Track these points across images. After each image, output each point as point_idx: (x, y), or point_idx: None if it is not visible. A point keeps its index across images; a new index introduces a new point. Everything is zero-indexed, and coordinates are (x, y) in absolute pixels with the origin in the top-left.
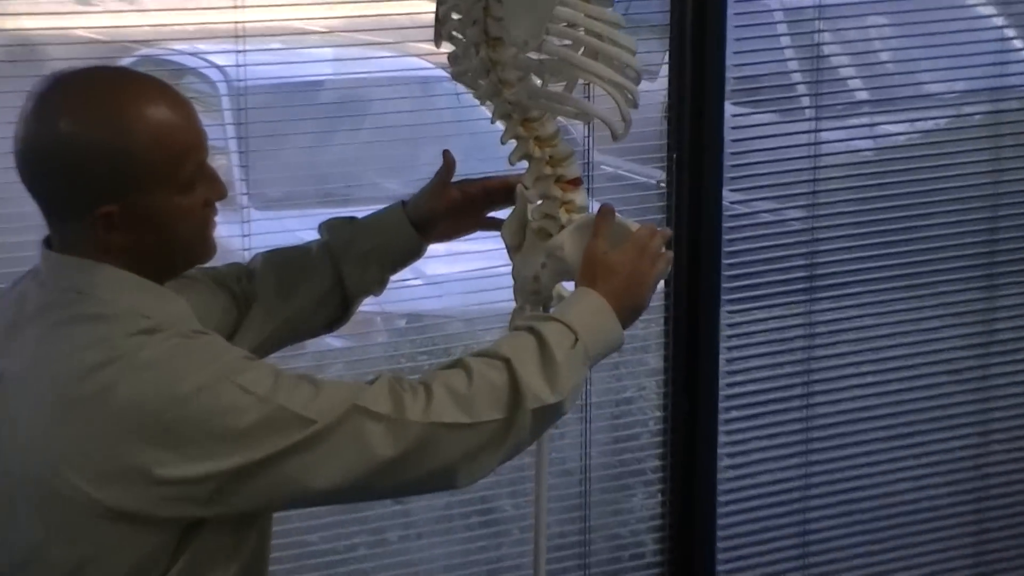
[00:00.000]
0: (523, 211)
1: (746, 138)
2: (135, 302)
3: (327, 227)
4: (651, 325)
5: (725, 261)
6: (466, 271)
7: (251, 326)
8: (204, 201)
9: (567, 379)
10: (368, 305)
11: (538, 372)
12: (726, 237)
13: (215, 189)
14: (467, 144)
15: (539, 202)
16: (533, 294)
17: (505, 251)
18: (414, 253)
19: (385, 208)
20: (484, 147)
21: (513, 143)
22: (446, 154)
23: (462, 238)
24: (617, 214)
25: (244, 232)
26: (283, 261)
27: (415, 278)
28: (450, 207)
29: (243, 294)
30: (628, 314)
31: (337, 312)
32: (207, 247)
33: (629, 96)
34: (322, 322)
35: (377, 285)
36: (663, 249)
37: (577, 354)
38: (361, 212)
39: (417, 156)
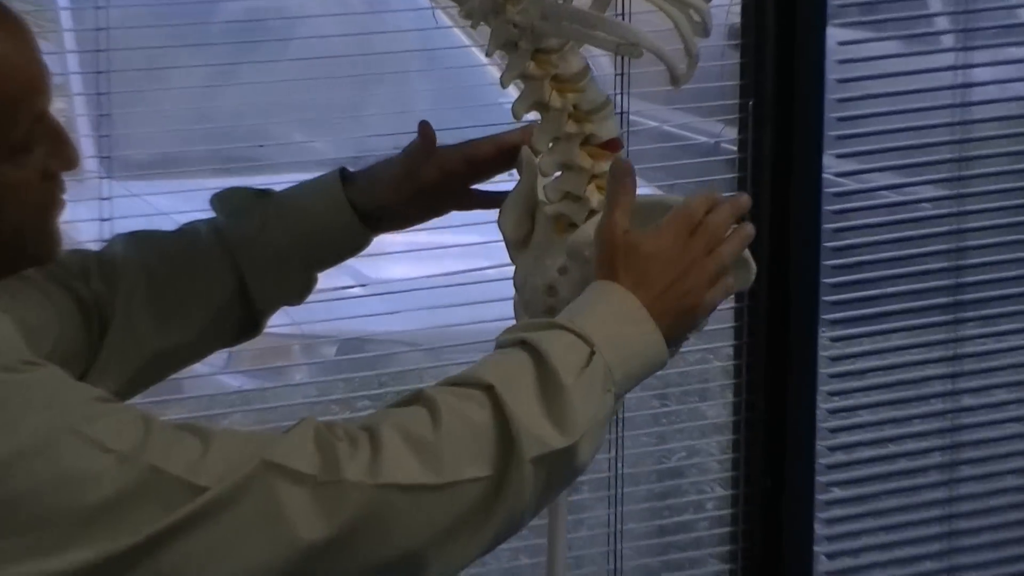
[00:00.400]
0: (532, 189)
1: (858, 78)
2: None
3: (224, 205)
4: (711, 358)
5: (826, 262)
6: (433, 275)
7: (113, 356)
8: (44, 172)
9: (581, 412)
10: (281, 325)
11: (536, 404)
12: (828, 226)
13: (61, 154)
14: (442, 87)
15: (557, 175)
16: (547, 312)
17: (502, 246)
18: (355, 249)
19: (315, 181)
20: (468, 92)
21: (518, 87)
22: (424, 129)
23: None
24: (644, 189)
25: (102, 214)
26: (159, 259)
27: (354, 284)
28: (419, 194)
29: (95, 300)
30: (673, 320)
31: (238, 330)
32: (48, 240)
33: (696, 17)
34: (217, 345)
35: (298, 294)
36: (733, 225)
37: (594, 375)
38: (277, 184)
39: (362, 102)
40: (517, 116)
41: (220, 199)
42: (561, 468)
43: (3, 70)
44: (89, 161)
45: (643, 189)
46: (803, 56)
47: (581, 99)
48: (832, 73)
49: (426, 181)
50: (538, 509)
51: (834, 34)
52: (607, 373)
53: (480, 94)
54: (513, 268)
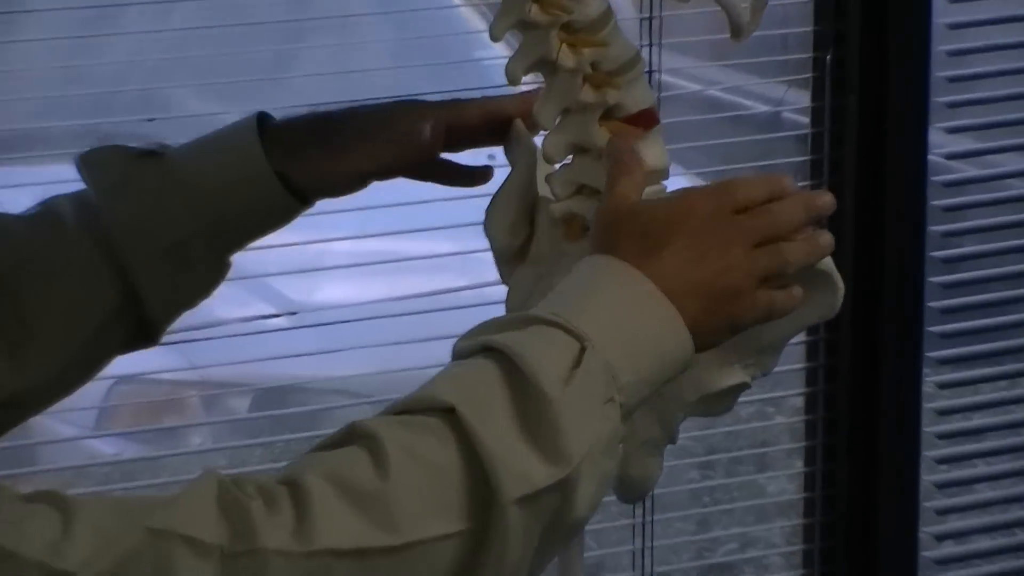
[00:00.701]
0: (531, 180)
1: (976, 22)
2: None
3: (96, 172)
4: (771, 412)
5: (933, 279)
6: (387, 299)
7: None
8: None
9: (575, 432)
10: (175, 370)
11: (514, 426)
12: (935, 228)
13: None
14: (399, 38)
15: (567, 161)
16: None
17: (487, 258)
18: (280, 223)
19: (224, 137)
20: (437, 47)
21: (514, 39)
22: (436, 130)
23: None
24: (680, 180)
25: None
26: (8, 258)
27: (277, 313)
28: (386, 172)
29: None
30: (700, 305)
31: (125, 346)
32: None
33: None
34: (98, 370)
35: (205, 288)
36: (801, 221)
37: (588, 379)
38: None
39: (290, 59)
40: (514, 79)
41: (89, 164)
42: (557, 510)
43: None
44: None
45: (679, 179)
46: None
47: (601, 56)
48: (940, 16)
49: (401, 159)
50: (534, 570)
51: None
52: (608, 375)
53: (450, 48)
54: (505, 289)
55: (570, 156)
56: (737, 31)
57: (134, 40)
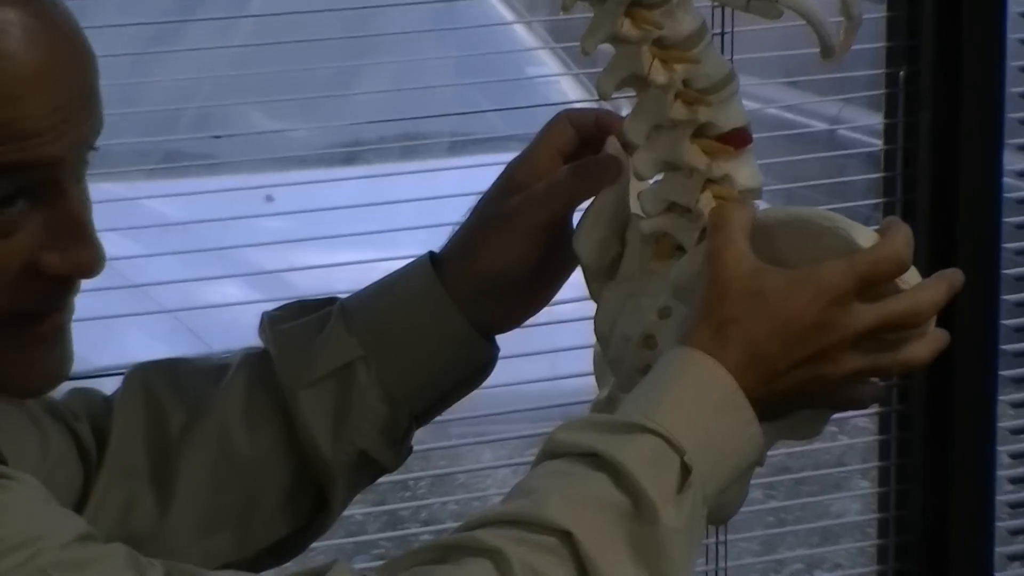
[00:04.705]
0: (622, 197)
1: None
2: None
3: (273, 322)
4: (835, 432)
5: (1007, 297)
6: None
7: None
8: (28, 265)
9: (684, 562)
10: None
11: (630, 556)
12: (1009, 246)
13: (64, 234)
14: (459, 59)
15: (657, 178)
16: (642, 372)
17: (580, 280)
18: (479, 374)
19: (398, 280)
20: (492, 63)
21: (605, 54)
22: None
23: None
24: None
25: None
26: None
27: None
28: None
29: (98, 442)
30: (770, 407)
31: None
32: (19, 368)
33: None
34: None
35: (374, 430)
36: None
37: (696, 506)
38: (239, 187)
39: (352, 76)
40: (604, 94)
41: (272, 333)
42: None
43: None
44: None
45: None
46: (975, 7)
47: (694, 73)
48: (1014, 31)
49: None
50: None
51: None
52: (703, 496)
53: (505, 64)
54: (593, 308)
55: (661, 174)
56: (828, 52)
57: (196, 57)
